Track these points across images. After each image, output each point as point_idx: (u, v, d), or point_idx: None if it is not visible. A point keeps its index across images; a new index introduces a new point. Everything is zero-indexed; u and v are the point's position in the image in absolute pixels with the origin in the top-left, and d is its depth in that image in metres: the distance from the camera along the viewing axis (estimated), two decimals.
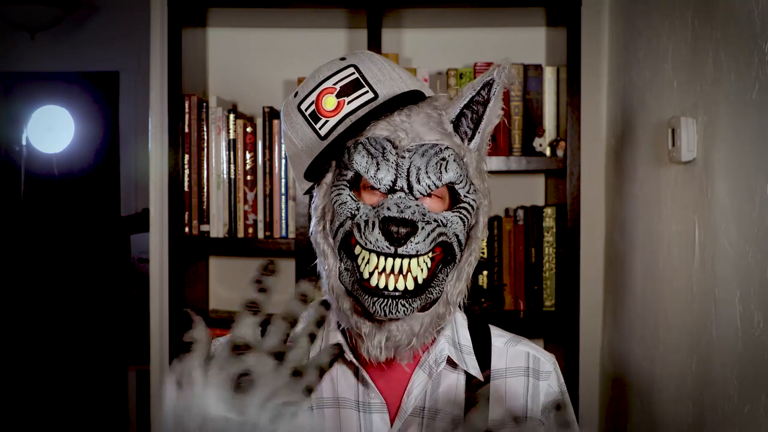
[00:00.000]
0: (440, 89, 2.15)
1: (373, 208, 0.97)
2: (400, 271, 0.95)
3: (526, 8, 2.12)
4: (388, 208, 0.95)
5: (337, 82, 1.02)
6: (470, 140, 1.03)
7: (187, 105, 2.09)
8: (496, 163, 2.08)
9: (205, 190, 2.10)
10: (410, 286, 0.96)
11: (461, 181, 1.00)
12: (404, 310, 0.96)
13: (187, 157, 2.10)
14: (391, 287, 0.95)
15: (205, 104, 2.10)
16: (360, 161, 0.98)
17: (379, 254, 0.95)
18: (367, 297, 0.97)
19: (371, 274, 0.96)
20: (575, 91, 2.04)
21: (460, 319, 1.12)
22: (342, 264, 1.00)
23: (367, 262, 0.96)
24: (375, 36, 2.06)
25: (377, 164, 0.97)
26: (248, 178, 2.10)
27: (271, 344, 0.80)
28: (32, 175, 5.09)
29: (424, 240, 0.95)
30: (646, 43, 1.88)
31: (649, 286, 1.83)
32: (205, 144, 2.10)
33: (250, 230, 2.10)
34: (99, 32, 4.64)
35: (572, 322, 2.05)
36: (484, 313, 2.10)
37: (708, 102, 1.47)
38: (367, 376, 1.05)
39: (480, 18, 2.24)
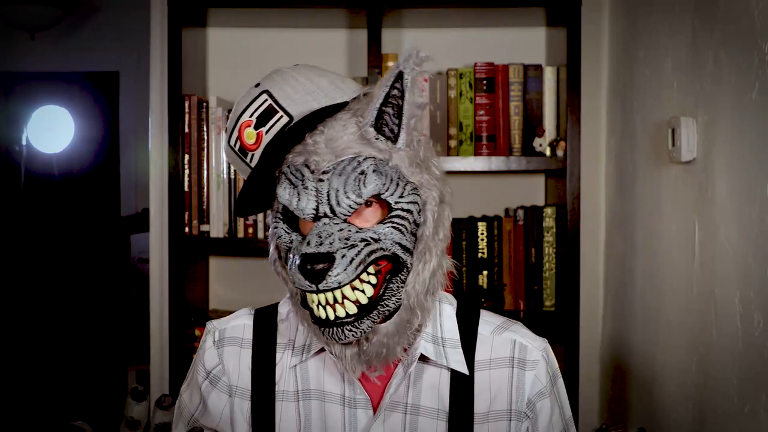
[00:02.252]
0: (440, 89, 2.15)
1: (304, 238, 0.96)
2: (335, 300, 0.94)
3: (526, 8, 2.12)
4: (308, 243, 0.93)
5: (252, 113, 1.00)
6: (397, 138, 0.98)
7: (187, 105, 2.09)
8: (496, 163, 2.08)
9: (205, 190, 2.10)
10: (352, 310, 0.94)
11: (387, 189, 0.96)
12: (352, 334, 0.95)
13: (187, 157, 2.10)
14: (332, 317, 0.94)
15: (205, 104, 2.10)
16: (282, 194, 0.96)
17: (308, 291, 0.94)
18: (316, 328, 0.97)
19: (312, 306, 0.95)
20: (575, 91, 2.04)
21: (448, 311, 1.09)
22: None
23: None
24: (375, 36, 2.06)
25: (298, 194, 0.95)
26: None
27: None
28: (32, 175, 5.09)
29: (345, 269, 0.92)
30: (646, 43, 1.88)
31: (649, 286, 1.83)
32: (205, 144, 2.10)
33: (250, 230, 2.10)
34: (99, 32, 4.64)
35: (572, 322, 2.05)
36: None
37: (708, 102, 1.47)
38: (352, 376, 1.04)
39: (480, 18, 2.24)
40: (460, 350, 1.07)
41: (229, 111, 2.08)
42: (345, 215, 0.95)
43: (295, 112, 0.99)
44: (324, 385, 1.07)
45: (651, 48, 1.83)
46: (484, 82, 2.12)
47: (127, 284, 4.81)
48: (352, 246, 0.93)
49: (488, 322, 1.11)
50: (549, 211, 2.13)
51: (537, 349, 1.09)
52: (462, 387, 1.06)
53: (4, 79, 5.05)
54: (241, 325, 1.11)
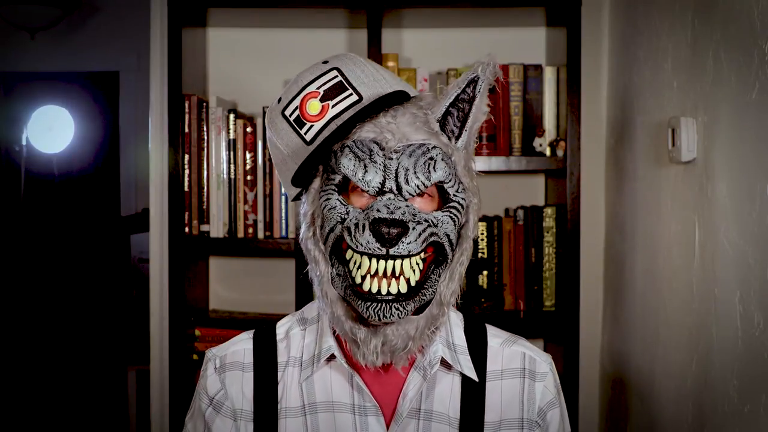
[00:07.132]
0: (440, 89, 2.15)
1: (363, 210, 0.96)
2: (393, 273, 0.94)
3: (526, 8, 2.12)
4: (378, 210, 0.94)
5: (320, 86, 1.02)
6: (457, 138, 1.03)
7: (187, 105, 2.09)
8: (496, 163, 2.08)
9: (205, 190, 2.10)
10: (403, 288, 0.95)
11: (450, 180, 0.99)
12: (398, 314, 0.95)
13: (187, 157, 2.10)
14: (384, 291, 0.95)
15: (205, 104, 2.10)
16: (347, 164, 0.97)
17: (371, 257, 0.94)
18: (360, 302, 0.96)
19: (363, 278, 0.95)
20: (575, 91, 2.04)
21: (455, 319, 1.11)
22: (334, 270, 0.99)
23: (359, 266, 0.95)
24: (375, 36, 2.06)
25: (365, 166, 0.97)
26: (248, 178, 2.10)
27: None
28: (32, 175, 5.10)
29: (416, 240, 0.94)
30: (646, 43, 1.88)
31: (649, 286, 1.83)
32: (205, 144, 2.10)
33: (250, 230, 2.10)
34: (99, 32, 4.64)
35: (572, 322, 2.05)
36: (483, 313, 2.10)
37: (708, 102, 1.47)
38: (360, 383, 1.04)
39: (480, 18, 2.24)
40: (469, 357, 1.08)
41: (229, 111, 2.10)
42: (411, 194, 0.97)
43: (363, 93, 1.01)
44: (332, 396, 1.06)
45: (651, 48, 1.83)
46: None
47: (127, 284, 4.81)
48: (419, 222, 0.95)
49: (496, 335, 1.13)
50: (549, 211, 2.13)
51: (545, 362, 1.12)
52: (473, 395, 1.07)
53: (4, 79, 5.05)
54: (241, 350, 1.11)
